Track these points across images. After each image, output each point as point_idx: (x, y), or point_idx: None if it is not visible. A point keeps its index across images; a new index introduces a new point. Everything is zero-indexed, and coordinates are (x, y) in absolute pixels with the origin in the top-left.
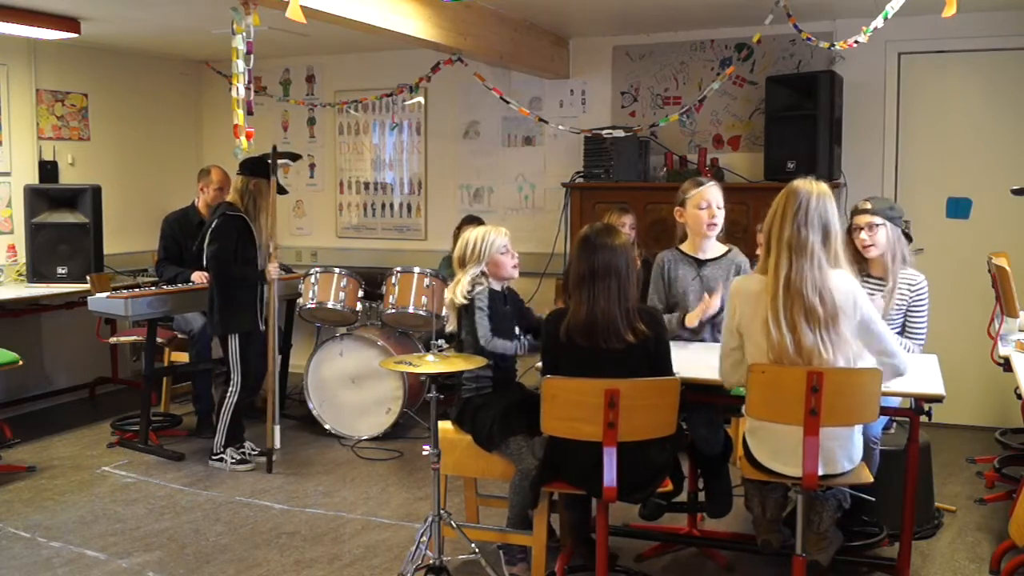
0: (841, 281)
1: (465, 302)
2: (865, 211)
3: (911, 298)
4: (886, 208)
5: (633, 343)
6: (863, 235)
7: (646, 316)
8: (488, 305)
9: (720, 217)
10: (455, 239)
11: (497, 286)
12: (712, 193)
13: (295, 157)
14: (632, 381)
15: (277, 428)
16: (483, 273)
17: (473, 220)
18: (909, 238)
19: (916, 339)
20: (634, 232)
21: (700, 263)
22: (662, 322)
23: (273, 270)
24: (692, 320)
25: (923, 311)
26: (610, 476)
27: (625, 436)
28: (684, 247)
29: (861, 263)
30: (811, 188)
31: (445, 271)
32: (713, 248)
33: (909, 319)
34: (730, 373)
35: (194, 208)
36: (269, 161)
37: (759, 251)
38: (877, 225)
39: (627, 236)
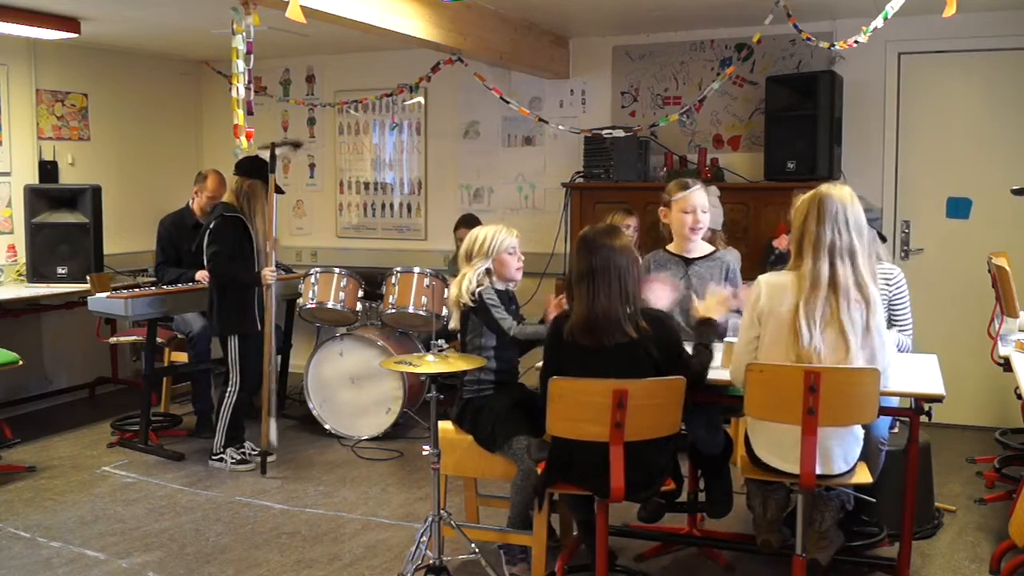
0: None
1: (471, 304)
2: None
3: (892, 292)
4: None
5: (635, 339)
6: None
7: (650, 317)
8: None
9: (705, 220)
10: (455, 237)
11: (501, 286)
12: (697, 198)
13: (297, 144)
14: (640, 381)
15: (274, 425)
16: (488, 271)
17: (469, 218)
18: (883, 238)
19: (906, 330)
20: (637, 234)
21: (688, 262)
22: (667, 322)
23: (269, 275)
24: (706, 311)
25: (905, 302)
26: (617, 476)
27: (632, 436)
28: (671, 247)
29: None
30: (843, 194)
31: (449, 271)
32: (700, 247)
33: (893, 312)
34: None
35: (189, 210)
36: (268, 158)
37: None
38: None
39: (629, 238)
